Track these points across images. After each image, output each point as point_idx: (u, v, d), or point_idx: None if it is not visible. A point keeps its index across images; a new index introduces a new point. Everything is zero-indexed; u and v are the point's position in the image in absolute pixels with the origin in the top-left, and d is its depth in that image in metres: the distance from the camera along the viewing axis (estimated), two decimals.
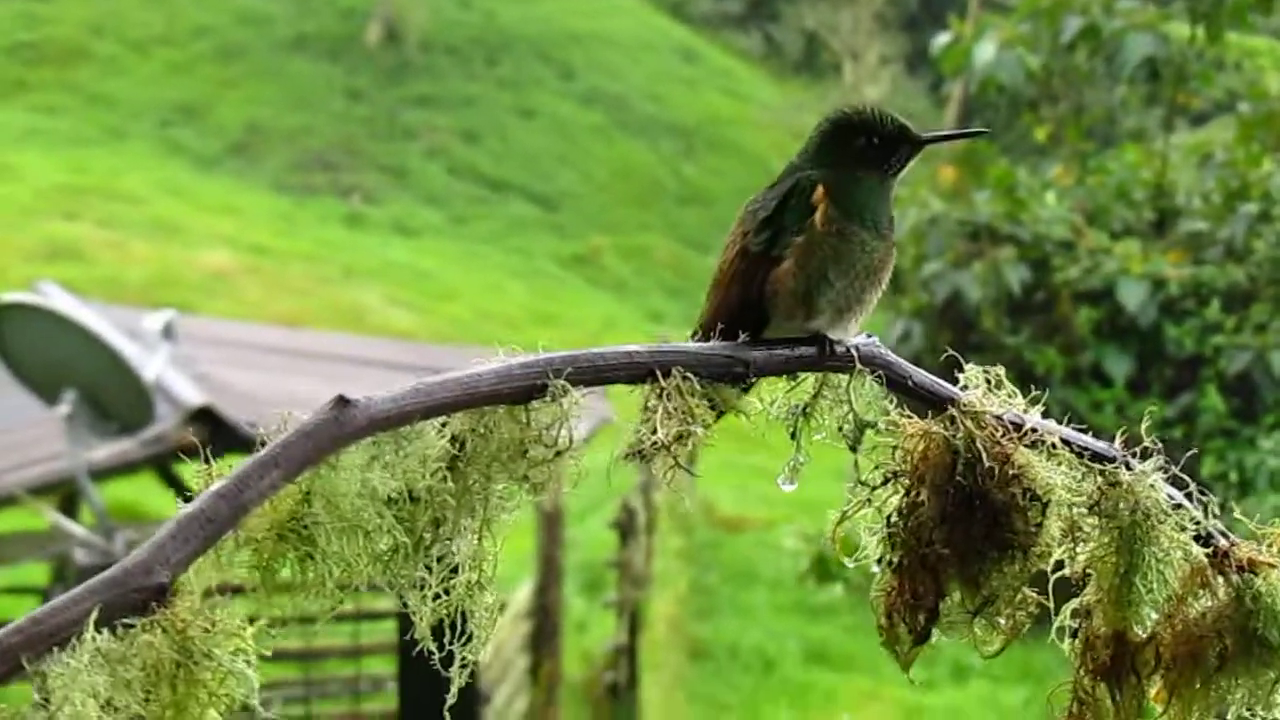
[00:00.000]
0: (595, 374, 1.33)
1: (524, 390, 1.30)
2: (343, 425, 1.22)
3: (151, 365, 7.88)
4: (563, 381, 1.30)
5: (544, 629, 10.34)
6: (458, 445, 1.28)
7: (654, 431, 1.29)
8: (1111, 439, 1.45)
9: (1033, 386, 1.50)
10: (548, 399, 1.29)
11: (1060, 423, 1.45)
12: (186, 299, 21.67)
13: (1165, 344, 13.67)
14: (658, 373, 1.36)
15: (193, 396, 7.83)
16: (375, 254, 28.68)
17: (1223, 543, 1.44)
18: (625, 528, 12.51)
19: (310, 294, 25.32)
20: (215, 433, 7.47)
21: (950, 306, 13.86)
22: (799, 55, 44.79)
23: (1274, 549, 1.43)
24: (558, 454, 1.26)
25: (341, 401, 1.23)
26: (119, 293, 20.69)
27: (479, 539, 1.28)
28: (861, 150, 1.71)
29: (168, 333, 8.65)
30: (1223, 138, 16.15)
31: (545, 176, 34.69)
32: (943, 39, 15.44)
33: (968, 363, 1.40)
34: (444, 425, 1.28)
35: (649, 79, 39.56)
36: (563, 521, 10.54)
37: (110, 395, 7.58)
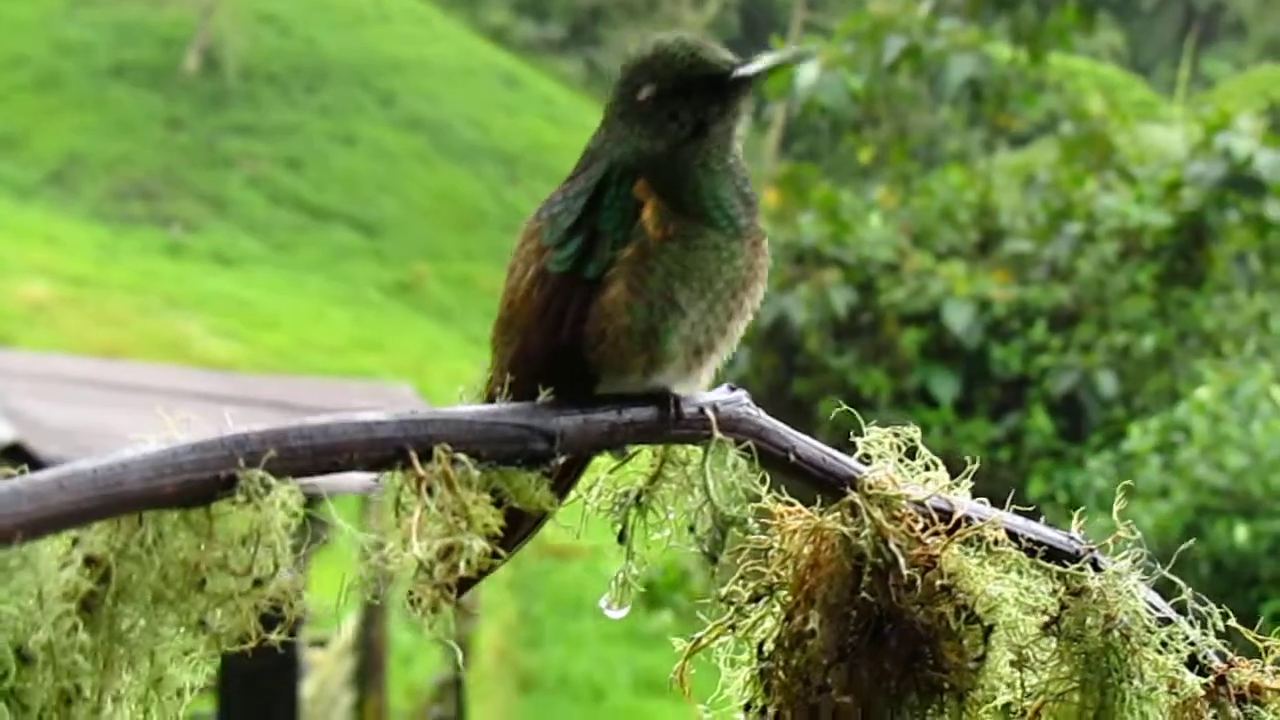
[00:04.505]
0: (314, 457, 0.85)
1: (201, 487, 0.83)
2: None
3: None
4: (260, 472, 0.83)
5: (369, 664, 10.15)
6: (97, 575, 0.82)
7: (405, 545, 0.84)
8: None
9: (859, 410, 1.08)
10: (238, 498, 0.83)
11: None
12: (4, 331, 21.30)
13: (991, 365, 13.66)
14: (413, 454, 0.88)
15: (2, 432, 7.58)
16: (197, 284, 28.12)
17: (1218, 664, 1.02)
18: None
19: (131, 325, 24.70)
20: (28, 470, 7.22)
21: (776, 330, 13.63)
22: None
23: None
24: (256, 584, 0.81)
25: None
26: None
27: (145, 711, 0.81)
28: (650, 109, 1.25)
29: None
30: (1045, 158, 16.24)
31: (367, 203, 34.23)
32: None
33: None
34: (74, 544, 0.82)
35: (471, 105, 39.21)
36: None
37: None
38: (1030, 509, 1.11)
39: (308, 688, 9.76)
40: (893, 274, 14.08)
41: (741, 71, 1.30)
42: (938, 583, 0.97)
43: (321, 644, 10.73)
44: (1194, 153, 14.01)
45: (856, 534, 0.98)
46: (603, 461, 1.06)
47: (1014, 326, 13.72)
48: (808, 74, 14.37)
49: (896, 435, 1.03)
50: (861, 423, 1.15)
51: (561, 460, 1.04)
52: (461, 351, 27.13)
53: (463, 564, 0.85)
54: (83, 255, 28.14)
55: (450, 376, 22.96)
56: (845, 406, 1.11)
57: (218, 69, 37.35)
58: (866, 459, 1.04)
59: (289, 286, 29.59)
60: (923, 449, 1.00)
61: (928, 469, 1.01)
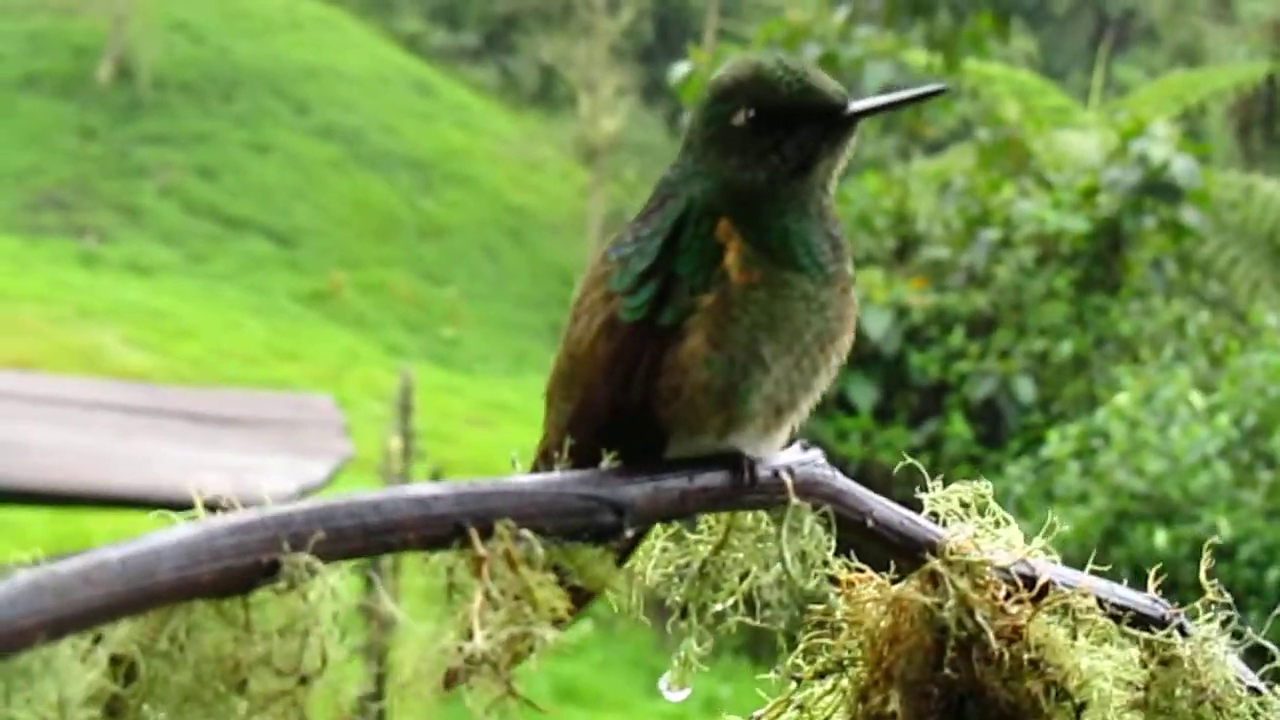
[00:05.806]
0: (365, 537, 0.78)
1: (241, 574, 0.73)
2: None
3: None
4: (307, 556, 0.74)
5: None
6: (122, 675, 0.72)
7: (469, 636, 0.75)
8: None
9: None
10: (281, 585, 0.74)
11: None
12: None
13: (910, 372, 13.66)
14: (472, 532, 0.80)
15: None
16: (110, 294, 27.78)
17: None
18: (369, 570, 12.08)
19: (44, 336, 24.35)
20: None
21: None
22: (535, 88, 44.54)
23: None
24: (302, 682, 0.73)
25: None
26: None
27: None
28: (747, 137, 1.12)
29: None
30: (961, 164, 16.26)
31: (282, 212, 33.97)
32: (683, 69, 15.30)
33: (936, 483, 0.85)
34: (96, 642, 0.72)
35: (384, 113, 39.01)
36: None
37: None
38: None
39: None
40: None
41: (856, 107, 1.18)
42: (1025, 656, 0.88)
43: None
44: (1110, 159, 14.09)
45: (939, 605, 0.89)
46: (659, 530, 0.97)
47: (932, 333, 13.73)
48: None
49: (964, 489, 0.95)
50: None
51: (630, 535, 0.93)
52: (378, 360, 26.97)
53: (532, 657, 0.77)
54: None
55: (367, 385, 22.79)
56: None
57: (131, 78, 37.00)
58: (935, 516, 0.96)
59: (204, 296, 29.30)
60: (993, 505, 0.93)
61: (998, 526, 0.93)
